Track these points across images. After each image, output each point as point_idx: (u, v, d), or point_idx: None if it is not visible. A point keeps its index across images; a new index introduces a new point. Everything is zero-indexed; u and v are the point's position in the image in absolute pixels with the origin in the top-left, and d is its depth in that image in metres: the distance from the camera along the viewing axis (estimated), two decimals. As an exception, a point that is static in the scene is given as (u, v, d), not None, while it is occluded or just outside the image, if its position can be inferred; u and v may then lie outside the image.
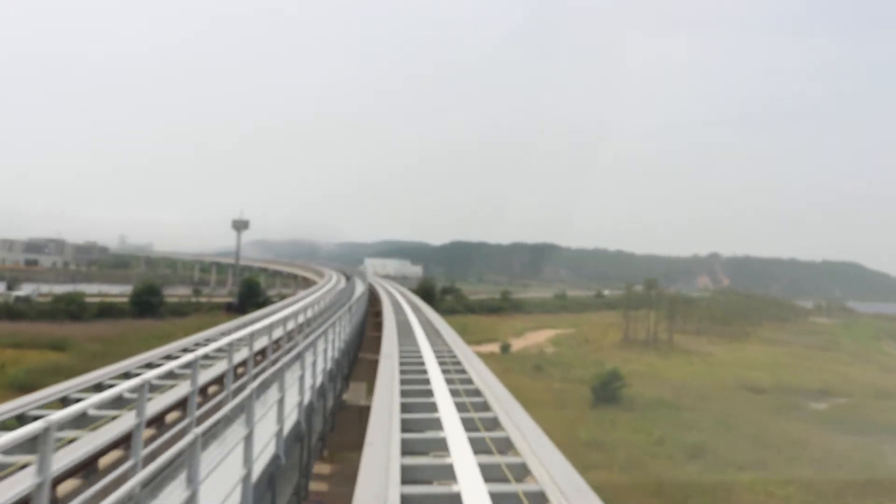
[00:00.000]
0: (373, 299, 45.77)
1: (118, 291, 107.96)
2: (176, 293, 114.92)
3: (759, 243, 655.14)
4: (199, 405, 8.57)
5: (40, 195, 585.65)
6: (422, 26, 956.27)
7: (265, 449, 7.15)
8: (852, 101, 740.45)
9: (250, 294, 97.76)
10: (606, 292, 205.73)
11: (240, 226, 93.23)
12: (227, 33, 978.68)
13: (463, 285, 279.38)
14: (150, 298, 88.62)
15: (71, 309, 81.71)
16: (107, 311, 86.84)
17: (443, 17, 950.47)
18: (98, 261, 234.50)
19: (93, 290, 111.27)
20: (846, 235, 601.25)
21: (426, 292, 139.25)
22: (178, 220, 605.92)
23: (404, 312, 34.08)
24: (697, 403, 57.40)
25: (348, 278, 78.34)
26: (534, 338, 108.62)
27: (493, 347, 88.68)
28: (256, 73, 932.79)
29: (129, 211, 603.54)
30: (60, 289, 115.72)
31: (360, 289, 46.53)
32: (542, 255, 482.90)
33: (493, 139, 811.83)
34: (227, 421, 7.78)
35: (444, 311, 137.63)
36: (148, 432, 7.71)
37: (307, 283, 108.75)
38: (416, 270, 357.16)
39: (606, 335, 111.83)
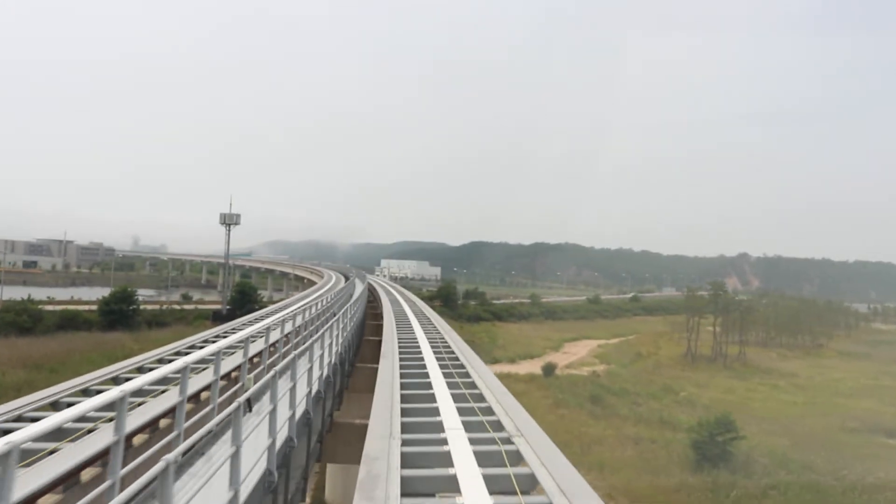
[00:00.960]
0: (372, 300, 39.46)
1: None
2: (165, 299, 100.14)
3: (788, 243, 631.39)
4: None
5: (55, 197, 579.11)
6: (438, 29, 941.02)
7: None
8: (886, 98, 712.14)
9: (243, 300, 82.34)
10: (614, 297, 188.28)
11: (230, 220, 77.62)
12: (246, 36, 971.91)
13: (485, 287, 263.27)
14: (121, 307, 73.31)
15: (21, 320, 66.65)
16: (69, 322, 71.67)
17: (459, 18, 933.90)
18: (102, 263, 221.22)
19: (91, 296, 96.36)
20: (880, 235, 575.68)
21: (447, 297, 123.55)
22: (192, 221, 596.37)
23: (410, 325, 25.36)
24: (833, 460, 40.57)
25: (347, 278, 70.78)
26: (575, 351, 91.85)
27: (532, 366, 72.17)
28: (275, 76, 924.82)
29: (143, 212, 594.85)
30: (56, 293, 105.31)
31: (358, 289, 40.32)
32: (565, 256, 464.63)
33: (512, 139, 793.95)
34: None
35: (469, 319, 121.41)
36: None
37: (309, 284, 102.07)
38: (434, 271, 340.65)
39: (660, 347, 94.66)
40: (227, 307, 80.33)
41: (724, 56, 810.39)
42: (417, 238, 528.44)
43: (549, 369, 65.73)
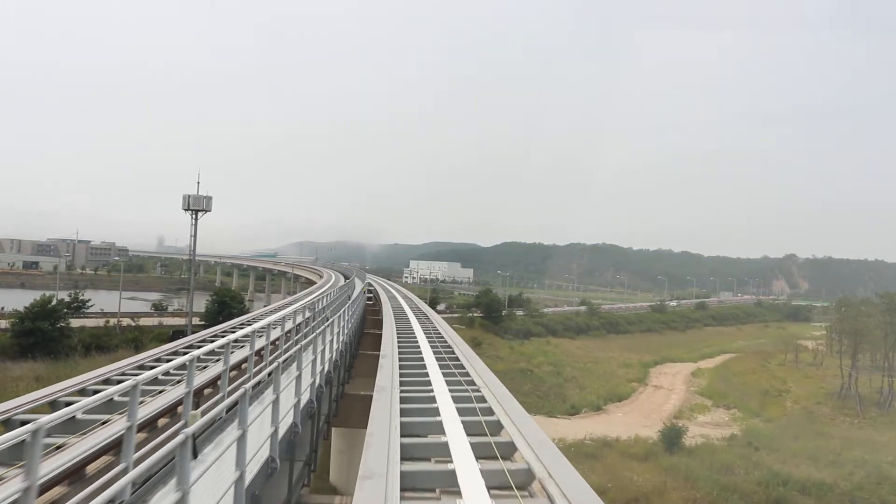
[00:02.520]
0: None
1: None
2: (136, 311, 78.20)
3: (837, 244, 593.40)
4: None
5: (81, 197, 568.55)
6: (465, 28, 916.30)
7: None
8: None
9: (222, 311, 59.05)
10: (669, 303, 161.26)
11: (197, 204, 54.33)
12: (274, 41, 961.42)
13: (521, 291, 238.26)
14: (42, 325, 50.47)
15: None
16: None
17: (486, 16, 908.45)
18: (111, 264, 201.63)
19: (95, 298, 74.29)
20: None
21: (488, 307, 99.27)
22: (220, 222, 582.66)
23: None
24: None
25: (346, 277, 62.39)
26: (667, 383, 66.57)
27: (632, 420, 47.40)
28: (300, 80, 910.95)
29: (170, 214, 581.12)
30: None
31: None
32: (602, 257, 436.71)
33: (543, 138, 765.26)
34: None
35: (518, 334, 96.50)
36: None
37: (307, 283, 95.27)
38: (466, 273, 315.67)
39: (785, 382, 68.61)
40: (198, 324, 56.94)
41: (756, 52, 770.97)
42: (447, 238, 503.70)
43: (671, 436, 40.29)
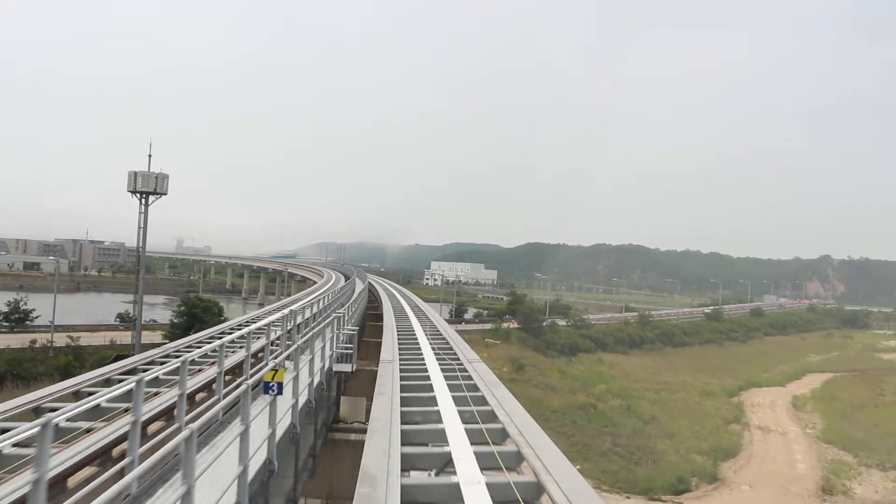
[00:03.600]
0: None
1: None
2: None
3: (873, 245, 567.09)
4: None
5: (101, 198, 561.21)
6: (483, 30, 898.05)
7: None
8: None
9: (191, 326, 43.82)
10: (715, 308, 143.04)
11: (146, 185, 39.02)
12: (292, 44, 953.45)
13: (549, 294, 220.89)
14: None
15: None
16: None
17: (508, 20, 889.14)
18: (117, 265, 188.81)
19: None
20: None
21: (527, 317, 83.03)
22: (242, 224, 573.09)
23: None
24: None
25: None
26: (774, 422, 49.98)
27: (765, 494, 31.13)
28: (324, 80, 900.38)
29: (191, 216, 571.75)
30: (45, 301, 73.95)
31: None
32: (629, 258, 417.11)
33: (569, 140, 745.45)
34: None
35: (562, 349, 77.64)
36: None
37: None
38: (490, 275, 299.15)
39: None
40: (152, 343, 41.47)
41: (786, 48, 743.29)
42: (468, 239, 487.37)
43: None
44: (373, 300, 45.41)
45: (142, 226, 40.46)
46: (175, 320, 49.09)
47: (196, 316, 47.52)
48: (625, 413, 47.83)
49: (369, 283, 55.20)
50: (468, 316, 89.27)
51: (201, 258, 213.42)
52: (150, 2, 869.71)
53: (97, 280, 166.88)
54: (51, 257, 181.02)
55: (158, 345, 37.88)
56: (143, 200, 40.34)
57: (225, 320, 46.28)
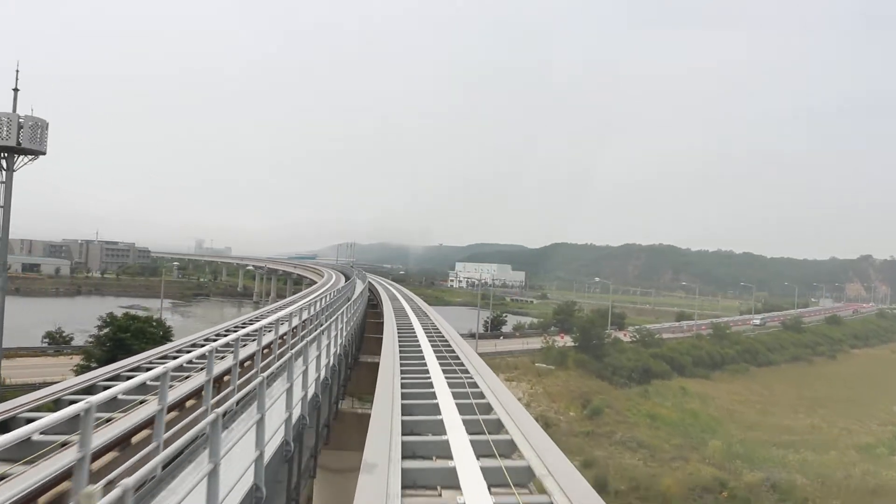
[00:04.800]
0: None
1: None
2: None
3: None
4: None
5: (126, 201, 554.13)
6: (504, 30, 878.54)
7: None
8: None
9: (114, 352, 27.11)
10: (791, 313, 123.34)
11: (8, 136, 22.96)
12: (314, 45, 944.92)
13: (580, 296, 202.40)
14: None
15: None
16: None
17: (530, 19, 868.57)
18: (124, 266, 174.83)
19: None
20: None
21: (585, 332, 64.83)
22: (262, 225, 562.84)
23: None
24: None
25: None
26: None
27: None
28: (346, 81, 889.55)
29: (213, 217, 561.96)
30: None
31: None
32: (660, 258, 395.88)
33: (593, 136, 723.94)
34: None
35: (631, 374, 59.16)
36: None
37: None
38: (517, 276, 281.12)
39: None
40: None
41: (824, 43, 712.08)
42: (491, 240, 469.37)
43: None
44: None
45: (1, 204, 23.85)
46: (94, 348, 32.72)
47: (122, 343, 30.96)
48: (770, 492, 30.33)
49: (369, 289, 38.63)
50: (507, 328, 72.08)
51: (213, 259, 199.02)
52: (174, 4, 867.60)
53: (99, 282, 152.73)
54: (65, 259, 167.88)
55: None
56: (7, 161, 23.81)
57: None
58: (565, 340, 62.45)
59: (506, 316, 70.87)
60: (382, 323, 24.86)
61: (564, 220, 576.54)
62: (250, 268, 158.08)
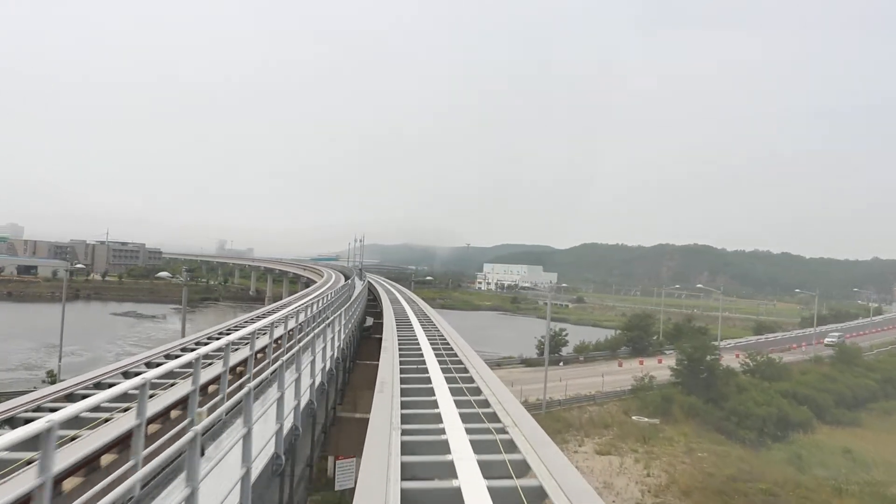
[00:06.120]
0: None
1: None
2: None
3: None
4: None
5: (153, 205, 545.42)
6: (524, 30, 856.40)
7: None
8: None
9: None
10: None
11: None
12: (343, 48, 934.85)
13: (619, 300, 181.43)
14: None
15: None
16: None
17: (554, 15, 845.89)
18: (129, 268, 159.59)
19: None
20: None
21: (694, 360, 45.22)
22: (286, 226, 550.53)
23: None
24: None
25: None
26: None
27: None
28: (371, 81, 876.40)
29: (238, 218, 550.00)
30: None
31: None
32: (695, 259, 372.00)
33: (627, 137, 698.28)
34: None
35: (756, 424, 39.08)
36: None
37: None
38: (548, 278, 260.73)
39: None
40: None
41: (865, 41, 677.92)
42: (518, 241, 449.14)
43: None
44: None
45: None
46: None
47: None
48: None
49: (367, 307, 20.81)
50: (567, 349, 53.16)
51: (226, 260, 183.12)
52: (195, 9, 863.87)
53: (99, 285, 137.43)
54: (69, 261, 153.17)
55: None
56: None
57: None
58: (657, 369, 43.80)
59: (566, 333, 52.02)
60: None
61: (593, 220, 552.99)
62: (262, 269, 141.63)
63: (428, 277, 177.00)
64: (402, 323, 21.73)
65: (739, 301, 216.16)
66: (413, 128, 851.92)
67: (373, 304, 33.36)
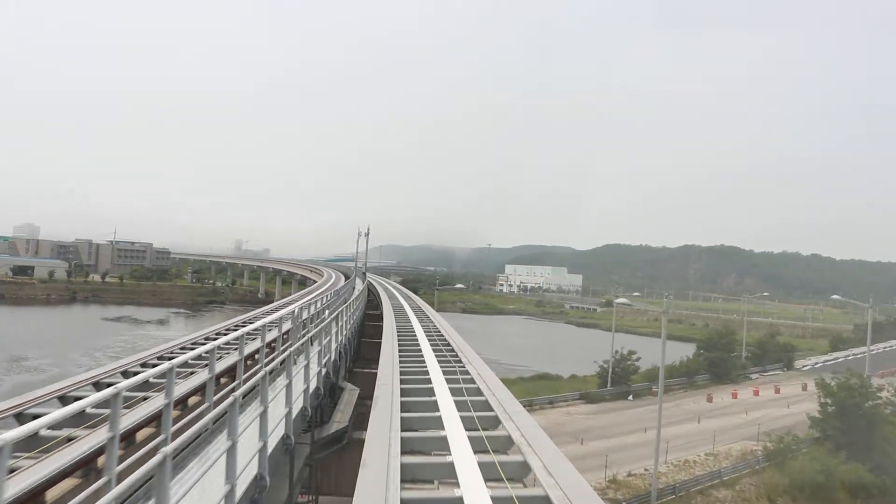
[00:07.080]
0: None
1: None
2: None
3: None
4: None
5: (176, 209, 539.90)
6: (544, 34, 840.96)
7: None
8: None
9: None
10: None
11: None
12: (360, 55, 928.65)
13: (652, 303, 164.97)
14: None
15: None
16: None
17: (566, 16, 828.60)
18: (133, 269, 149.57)
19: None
20: None
21: (843, 409, 32.06)
22: (305, 227, 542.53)
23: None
24: None
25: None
26: None
27: None
28: (389, 83, 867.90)
29: (256, 218, 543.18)
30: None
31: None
32: (722, 260, 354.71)
33: (652, 136, 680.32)
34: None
35: None
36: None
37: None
38: (573, 280, 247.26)
39: None
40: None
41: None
42: (538, 241, 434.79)
43: None
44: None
45: None
46: None
47: None
48: None
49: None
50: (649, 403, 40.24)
51: (235, 261, 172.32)
52: (223, 15, 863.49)
53: (99, 287, 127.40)
54: (70, 261, 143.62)
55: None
56: None
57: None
58: (757, 405, 31.10)
59: (638, 357, 39.24)
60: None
61: (615, 220, 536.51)
62: (270, 271, 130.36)
63: (459, 285, 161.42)
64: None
65: (777, 305, 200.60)
66: (430, 131, 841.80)
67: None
